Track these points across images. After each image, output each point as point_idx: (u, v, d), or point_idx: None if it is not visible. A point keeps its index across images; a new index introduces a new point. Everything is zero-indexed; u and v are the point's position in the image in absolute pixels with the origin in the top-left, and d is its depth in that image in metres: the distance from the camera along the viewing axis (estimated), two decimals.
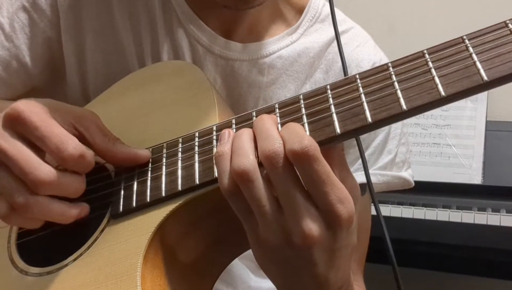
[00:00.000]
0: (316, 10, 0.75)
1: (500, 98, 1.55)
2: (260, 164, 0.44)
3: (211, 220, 0.52)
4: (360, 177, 0.64)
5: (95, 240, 0.52)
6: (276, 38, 0.72)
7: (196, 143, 0.52)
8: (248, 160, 0.43)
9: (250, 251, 0.55)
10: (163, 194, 0.51)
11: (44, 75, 0.72)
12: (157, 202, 0.51)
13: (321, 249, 0.44)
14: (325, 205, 0.43)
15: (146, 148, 0.55)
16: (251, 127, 0.47)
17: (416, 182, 0.79)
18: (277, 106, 0.49)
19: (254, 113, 0.50)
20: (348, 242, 0.46)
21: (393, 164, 0.76)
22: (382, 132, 0.75)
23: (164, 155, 0.53)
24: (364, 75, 0.47)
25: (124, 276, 0.48)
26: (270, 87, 0.71)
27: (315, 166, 0.42)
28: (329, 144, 0.45)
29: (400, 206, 1.33)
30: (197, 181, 0.49)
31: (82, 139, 0.52)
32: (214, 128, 0.52)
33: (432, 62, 0.44)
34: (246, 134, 0.46)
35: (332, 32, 0.69)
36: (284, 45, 0.72)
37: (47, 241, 0.56)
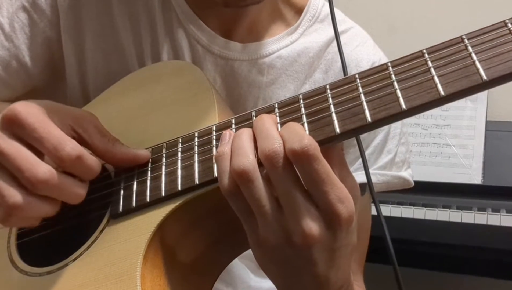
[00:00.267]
0: (315, 10, 0.75)
1: (500, 98, 1.54)
2: (260, 164, 0.44)
3: (211, 220, 0.52)
4: (360, 177, 0.64)
5: (94, 240, 0.52)
6: (275, 38, 0.72)
7: (196, 143, 0.52)
8: (247, 159, 0.43)
9: (250, 251, 0.55)
10: (163, 194, 0.51)
11: (44, 75, 0.72)
12: (157, 202, 0.51)
13: (321, 249, 0.44)
14: (325, 205, 0.43)
15: (146, 148, 0.55)
16: (251, 127, 0.47)
17: (416, 182, 0.79)
18: (276, 106, 0.49)
19: (253, 113, 0.50)
20: (348, 242, 0.46)
21: (393, 163, 0.76)
22: (381, 132, 0.75)
23: (164, 155, 0.53)
24: (364, 75, 0.47)
25: (124, 276, 0.48)
26: (270, 87, 0.71)
27: (315, 165, 0.42)
28: (329, 143, 0.45)
29: (400, 206, 1.33)
30: (196, 181, 0.49)
31: (80, 140, 0.52)
32: (214, 128, 0.52)
33: (431, 61, 0.44)
34: (245, 133, 0.46)
35: (331, 32, 0.69)
36: (283, 45, 0.72)
37: (47, 241, 0.57)
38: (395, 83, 0.45)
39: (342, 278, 0.48)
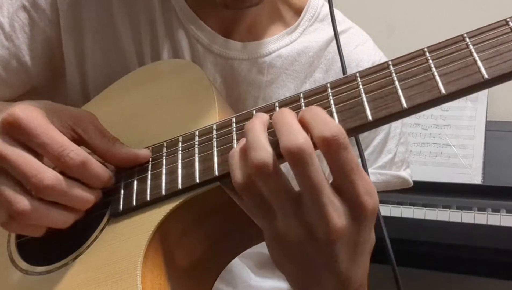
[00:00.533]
0: (315, 10, 0.75)
1: (500, 98, 1.55)
2: (278, 156, 0.42)
3: (211, 219, 0.52)
4: None
5: (95, 239, 0.52)
6: (275, 38, 0.72)
7: (196, 142, 0.52)
8: (266, 153, 0.42)
9: (250, 250, 0.55)
10: (163, 193, 0.51)
11: (44, 74, 0.72)
12: (157, 200, 0.51)
13: (345, 244, 0.42)
14: (352, 196, 0.41)
15: (146, 147, 0.55)
16: None
17: (416, 182, 0.79)
18: (277, 104, 0.49)
19: (254, 112, 0.50)
20: (370, 238, 0.44)
21: (393, 163, 0.76)
22: (382, 132, 0.75)
23: (164, 154, 0.53)
24: (364, 74, 0.47)
25: (124, 275, 0.48)
26: (270, 86, 0.71)
27: (344, 154, 0.41)
28: None
29: (400, 206, 1.33)
30: (197, 180, 0.49)
31: (80, 140, 0.52)
32: (214, 126, 0.52)
33: (432, 60, 0.44)
34: (259, 127, 0.44)
35: (331, 32, 0.69)
36: (283, 44, 0.72)
37: (47, 240, 0.56)
38: (396, 82, 0.44)
39: (362, 278, 0.46)
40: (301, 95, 0.49)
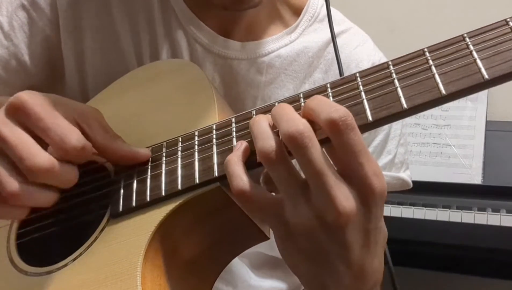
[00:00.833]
0: (314, 10, 0.75)
1: (500, 98, 1.55)
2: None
3: (211, 219, 0.52)
4: None
5: (94, 240, 0.52)
6: (274, 38, 0.72)
7: (196, 142, 0.52)
8: (273, 141, 0.43)
9: (250, 250, 0.55)
10: (163, 193, 0.50)
11: (43, 74, 0.72)
12: (157, 201, 0.51)
13: (356, 229, 0.42)
14: (360, 178, 0.41)
15: (146, 147, 0.55)
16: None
17: (416, 182, 0.79)
18: (277, 104, 0.49)
19: (254, 112, 0.50)
20: (381, 226, 0.44)
21: (392, 164, 0.76)
22: (381, 132, 0.75)
23: (164, 154, 0.53)
24: (364, 74, 0.46)
25: (124, 276, 0.47)
26: (269, 87, 0.71)
27: (352, 135, 0.41)
28: (330, 142, 0.45)
29: (400, 206, 1.33)
30: (197, 180, 0.49)
31: (83, 135, 0.52)
32: (214, 127, 0.52)
33: (432, 60, 0.44)
34: (263, 119, 0.45)
35: None
36: (283, 44, 0.72)
37: (47, 240, 0.56)
38: (396, 82, 0.44)
39: (377, 273, 0.46)
40: (301, 95, 0.48)
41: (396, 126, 0.77)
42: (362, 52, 0.76)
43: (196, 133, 0.53)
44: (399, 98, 0.44)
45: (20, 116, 0.49)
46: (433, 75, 0.43)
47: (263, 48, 0.71)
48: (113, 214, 0.53)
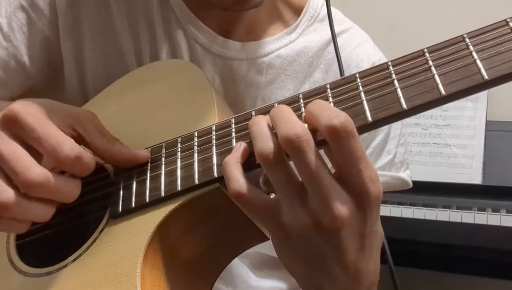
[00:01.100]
0: (315, 10, 0.75)
1: (500, 98, 1.55)
2: None
3: (211, 220, 0.52)
4: None
5: (94, 241, 0.52)
6: (274, 38, 0.72)
7: (195, 143, 0.52)
8: (271, 143, 0.43)
9: (249, 250, 0.55)
10: (163, 194, 0.50)
11: (43, 75, 0.72)
12: (157, 202, 0.50)
13: (351, 233, 0.43)
14: (357, 184, 0.42)
15: (145, 148, 0.55)
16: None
17: (416, 182, 0.79)
18: (276, 105, 0.49)
19: (253, 113, 0.50)
20: (376, 230, 0.45)
21: (392, 164, 0.76)
22: (381, 133, 0.75)
23: (163, 155, 0.53)
24: (364, 74, 0.46)
25: (123, 277, 0.47)
26: (269, 87, 0.71)
27: (352, 142, 0.41)
28: (328, 145, 0.45)
29: (400, 206, 1.33)
30: (196, 181, 0.49)
31: (80, 140, 0.52)
32: (213, 127, 0.52)
33: (432, 60, 0.44)
34: (262, 120, 0.45)
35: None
36: (282, 44, 0.72)
37: (46, 241, 0.56)
38: (396, 83, 0.44)
39: (372, 275, 0.46)
40: (301, 96, 0.48)
41: (396, 126, 0.76)
42: (362, 52, 0.76)
43: (196, 133, 0.52)
44: (399, 98, 0.43)
45: (14, 128, 0.48)
46: (433, 75, 0.43)
47: (263, 49, 0.71)
48: (112, 215, 0.53)
